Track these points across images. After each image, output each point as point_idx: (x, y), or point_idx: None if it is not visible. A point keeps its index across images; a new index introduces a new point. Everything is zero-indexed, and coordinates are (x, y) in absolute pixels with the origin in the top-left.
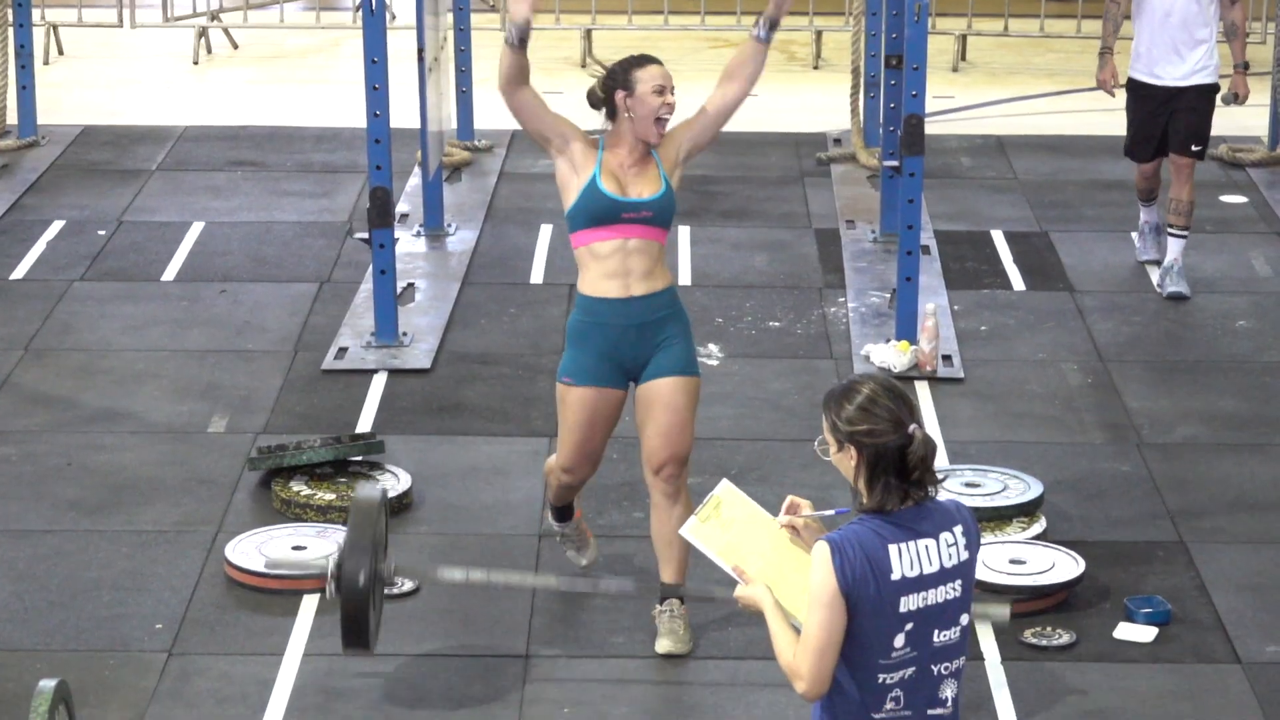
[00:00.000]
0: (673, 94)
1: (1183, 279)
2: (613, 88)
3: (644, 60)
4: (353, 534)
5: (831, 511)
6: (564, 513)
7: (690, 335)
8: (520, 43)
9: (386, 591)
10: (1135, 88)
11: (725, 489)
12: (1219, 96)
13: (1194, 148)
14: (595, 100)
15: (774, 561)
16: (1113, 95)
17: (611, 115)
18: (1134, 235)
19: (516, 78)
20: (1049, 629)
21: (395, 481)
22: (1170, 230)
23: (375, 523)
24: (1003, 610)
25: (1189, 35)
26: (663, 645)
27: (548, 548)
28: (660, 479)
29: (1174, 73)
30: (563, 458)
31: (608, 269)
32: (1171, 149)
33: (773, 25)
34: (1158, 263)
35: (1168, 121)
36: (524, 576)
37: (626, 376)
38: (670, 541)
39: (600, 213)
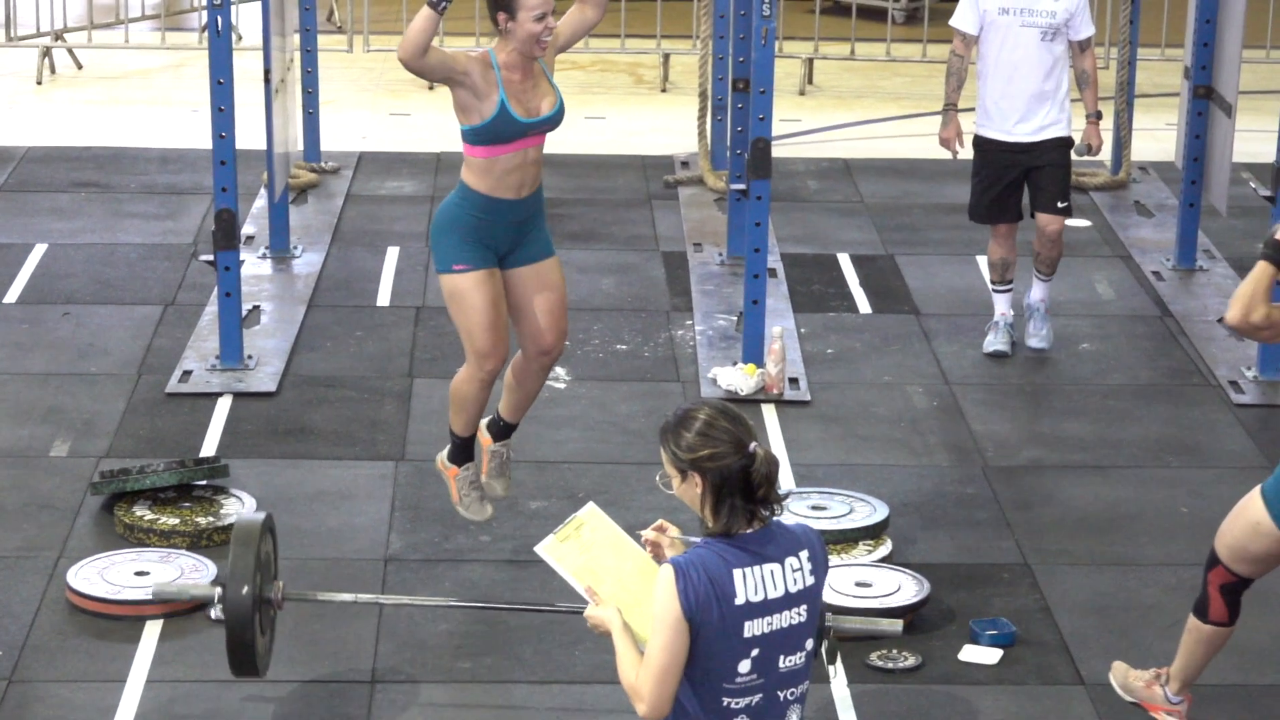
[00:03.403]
0: (554, 17)
1: (1045, 326)
2: (495, 8)
3: None
4: (236, 559)
5: (699, 539)
6: (468, 448)
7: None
8: (443, 8)
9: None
10: (984, 146)
11: (589, 512)
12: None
13: (1060, 204)
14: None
15: (630, 586)
16: (955, 155)
17: (497, 27)
18: (989, 330)
19: (427, 44)
20: (894, 651)
21: (240, 506)
22: (1039, 275)
23: (259, 546)
24: (895, 626)
25: (1041, 88)
26: (500, 486)
27: (394, 571)
28: (547, 357)
29: (1026, 128)
30: (479, 344)
31: (509, 179)
32: (1038, 208)
33: None
34: (1005, 354)
35: (1023, 181)
36: (413, 598)
37: (499, 258)
38: (531, 398)
39: (510, 134)
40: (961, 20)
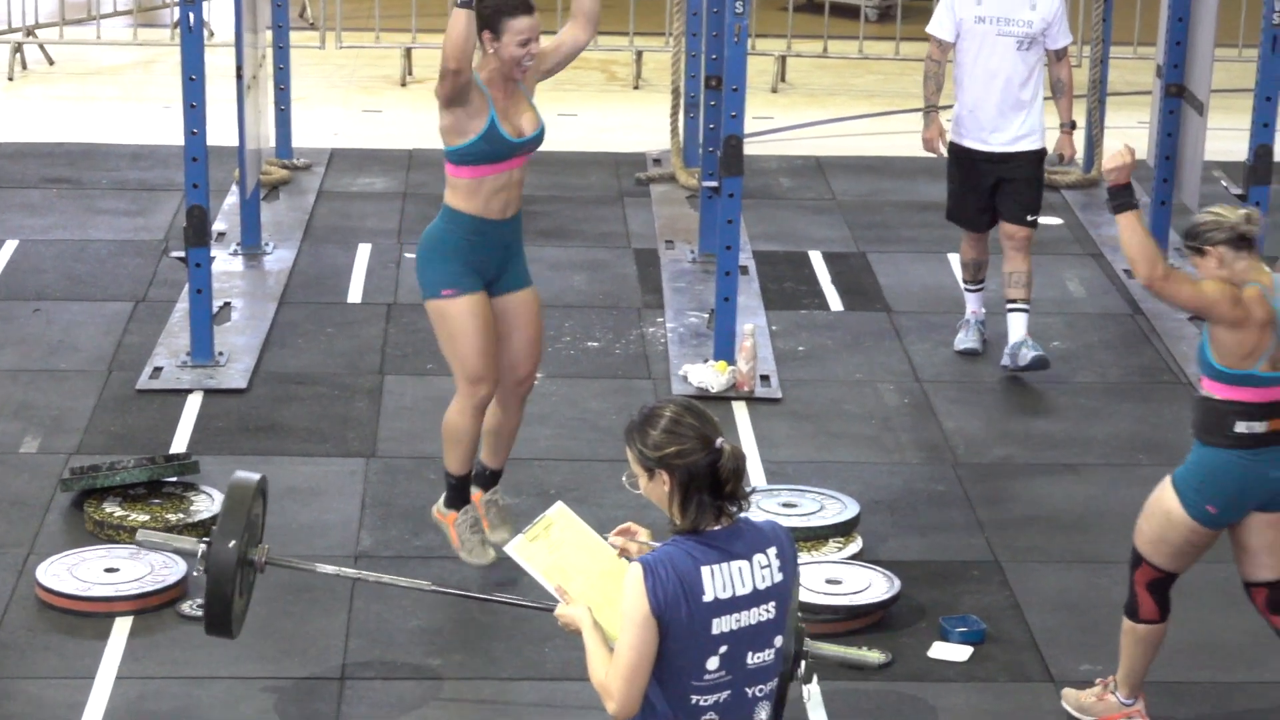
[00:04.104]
0: (538, 42)
1: (1037, 345)
2: (481, 26)
3: (516, 8)
4: (226, 516)
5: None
6: (464, 488)
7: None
8: (473, 2)
9: (199, 614)
10: (958, 153)
11: (559, 511)
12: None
13: (1029, 218)
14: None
15: (599, 585)
16: (938, 155)
17: (480, 45)
18: (959, 328)
19: (473, 46)
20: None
21: (210, 503)
22: (1012, 305)
23: (250, 507)
24: (875, 657)
25: (1016, 97)
26: (501, 535)
27: (364, 567)
28: (522, 387)
29: (1000, 138)
30: (472, 369)
31: (495, 200)
32: (1005, 218)
33: None
34: (976, 352)
35: (994, 189)
36: (395, 578)
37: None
38: (511, 435)
39: (499, 153)
40: (938, 27)
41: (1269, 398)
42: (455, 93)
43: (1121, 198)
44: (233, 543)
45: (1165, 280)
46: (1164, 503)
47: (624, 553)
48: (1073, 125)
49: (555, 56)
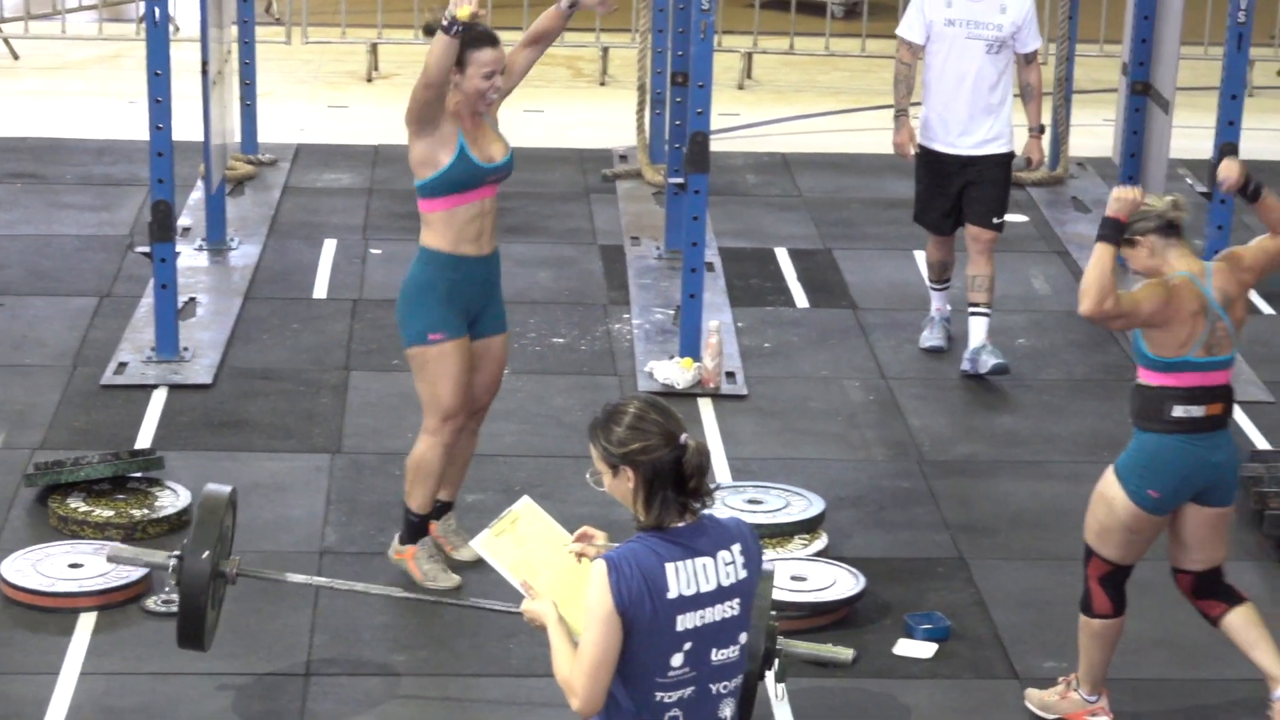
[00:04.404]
0: (501, 75)
1: (997, 351)
2: None
3: (481, 41)
4: (198, 529)
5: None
6: (424, 527)
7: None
8: (456, 30)
9: (164, 610)
10: (926, 157)
11: (525, 505)
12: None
13: (994, 220)
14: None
15: (565, 580)
16: (908, 158)
17: None
18: (924, 325)
19: (451, 60)
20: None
21: (174, 498)
22: (974, 309)
23: (222, 519)
24: (846, 654)
25: (985, 100)
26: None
27: (329, 564)
28: (479, 415)
29: (968, 141)
30: (447, 406)
31: (469, 230)
32: (970, 221)
33: (573, 4)
34: (942, 350)
35: (961, 192)
36: (366, 585)
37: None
38: (465, 464)
39: (470, 180)
40: (908, 30)
41: (1205, 382)
42: (428, 108)
43: (1109, 229)
44: (205, 554)
45: (1111, 312)
46: (1107, 492)
47: (582, 557)
48: (1041, 129)
49: (511, 80)
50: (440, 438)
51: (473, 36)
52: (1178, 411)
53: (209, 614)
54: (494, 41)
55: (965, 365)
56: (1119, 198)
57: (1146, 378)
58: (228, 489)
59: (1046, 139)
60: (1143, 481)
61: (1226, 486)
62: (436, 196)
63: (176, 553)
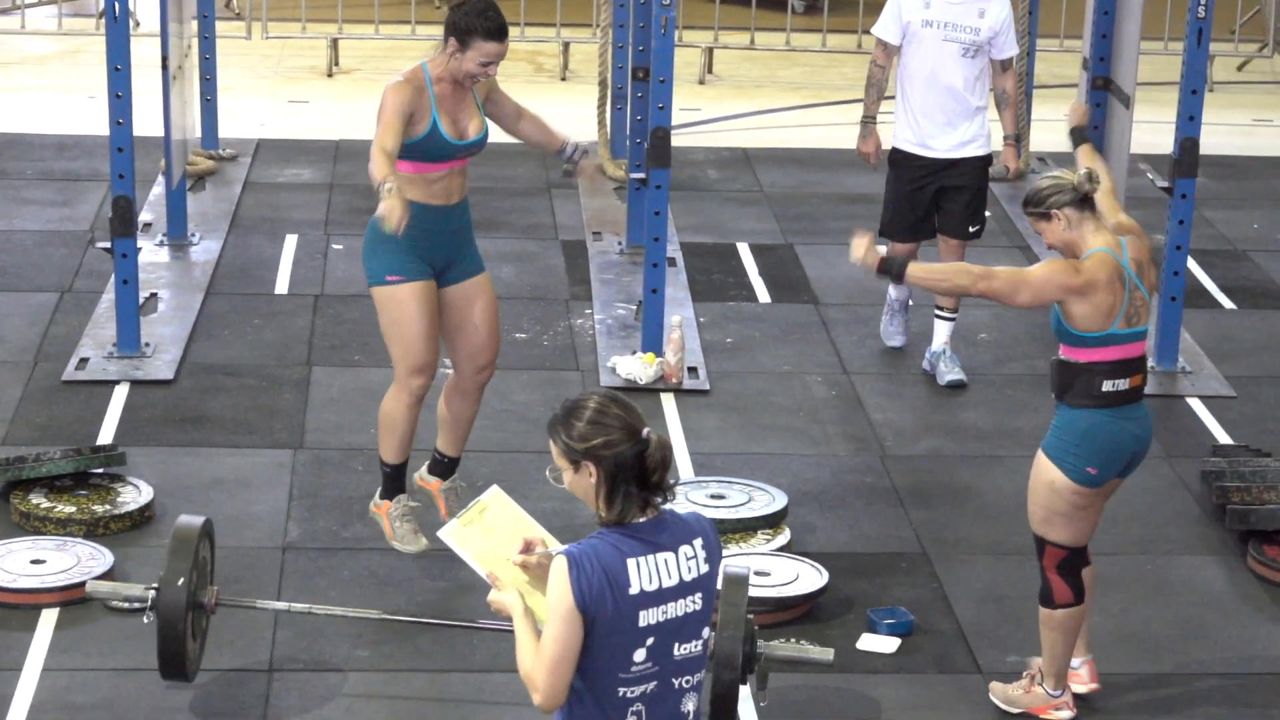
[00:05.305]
0: (496, 67)
1: (957, 363)
2: (452, 32)
3: (491, 33)
4: (172, 559)
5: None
6: (399, 477)
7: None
8: (387, 188)
9: (123, 605)
10: (899, 160)
11: (493, 495)
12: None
13: (971, 229)
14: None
15: (532, 571)
16: (875, 167)
17: (444, 44)
18: (883, 316)
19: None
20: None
21: (137, 494)
22: (940, 314)
23: (196, 549)
24: (826, 654)
25: (961, 104)
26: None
27: (291, 559)
28: (482, 375)
29: (944, 143)
30: (412, 358)
31: (435, 189)
32: (944, 231)
33: (569, 159)
34: (902, 349)
35: (936, 199)
36: (345, 610)
37: (435, 275)
38: (468, 424)
39: (439, 154)
40: (884, 30)
41: (1128, 354)
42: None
43: (891, 270)
44: (180, 581)
45: (988, 279)
46: (1045, 476)
47: (525, 567)
48: (1017, 138)
49: (498, 110)
50: (407, 392)
51: (484, 26)
52: (1106, 386)
53: (190, 644)
54: (502, 36)
55: (925, 366)
56: (857, 257)
57: (1071, 354)
58: (200, 519)
59: None
60: (1079, 459)
61: (1141, 458)
62: (405, 160)
63: (154, 585)
